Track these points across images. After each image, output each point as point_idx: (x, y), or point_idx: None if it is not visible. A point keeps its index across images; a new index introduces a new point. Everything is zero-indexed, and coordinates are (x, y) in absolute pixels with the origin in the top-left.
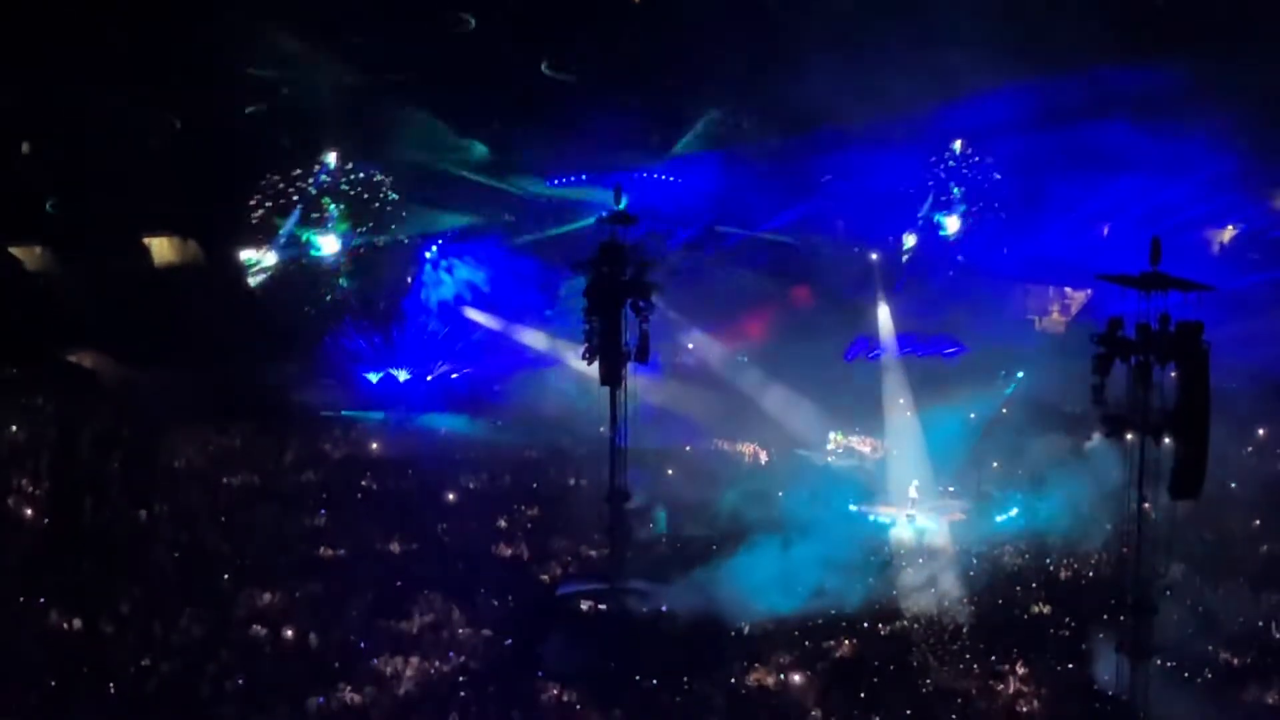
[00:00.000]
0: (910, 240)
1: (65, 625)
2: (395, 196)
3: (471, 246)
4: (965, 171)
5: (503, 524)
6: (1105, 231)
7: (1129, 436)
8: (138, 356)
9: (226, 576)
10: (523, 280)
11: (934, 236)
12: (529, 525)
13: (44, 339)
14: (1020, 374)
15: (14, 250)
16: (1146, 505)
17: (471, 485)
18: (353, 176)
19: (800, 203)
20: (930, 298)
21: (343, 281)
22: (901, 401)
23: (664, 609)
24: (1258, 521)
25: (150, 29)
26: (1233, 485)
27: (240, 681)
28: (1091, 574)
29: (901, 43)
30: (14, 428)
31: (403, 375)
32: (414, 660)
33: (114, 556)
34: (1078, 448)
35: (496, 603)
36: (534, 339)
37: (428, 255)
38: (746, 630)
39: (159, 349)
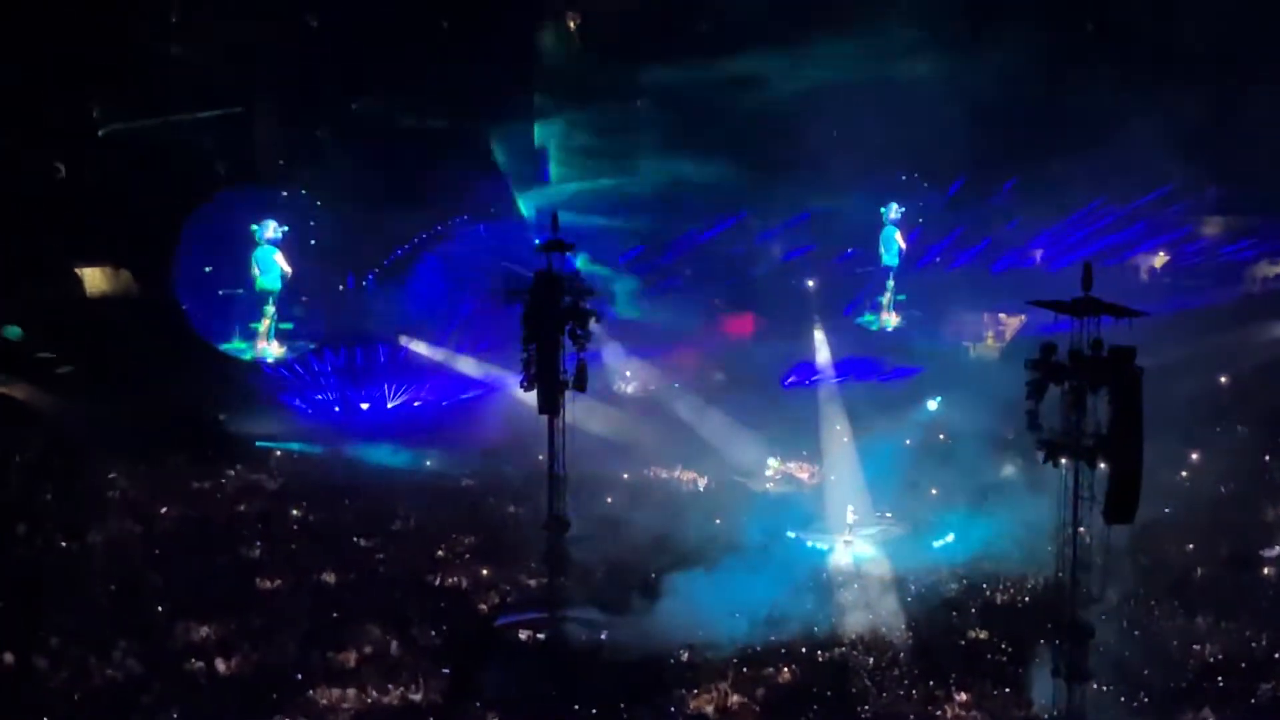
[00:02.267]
0: None
1: None
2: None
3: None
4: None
5: (440, 553)
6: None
7: (1064, 461)
8: (70, 386)
9: (161, 609)
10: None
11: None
12: (467, 555)
13: None
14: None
15: None
16: (1082, 530)
17: (409, 515)
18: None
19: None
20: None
21: (269, 309)
22: (839, 428)
23: (603, 637)
24: (1191, 545)
25: (82, 53)
26: (1166, 509)
27: (175, 716)
28: (1028, 598)
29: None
30: None
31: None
32: (351, 692)
33: (47, 589)
34: (1014, 472)
35: (434, 633)
36: (472, 367)
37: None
38: (685, 658)
39: (92, 379)
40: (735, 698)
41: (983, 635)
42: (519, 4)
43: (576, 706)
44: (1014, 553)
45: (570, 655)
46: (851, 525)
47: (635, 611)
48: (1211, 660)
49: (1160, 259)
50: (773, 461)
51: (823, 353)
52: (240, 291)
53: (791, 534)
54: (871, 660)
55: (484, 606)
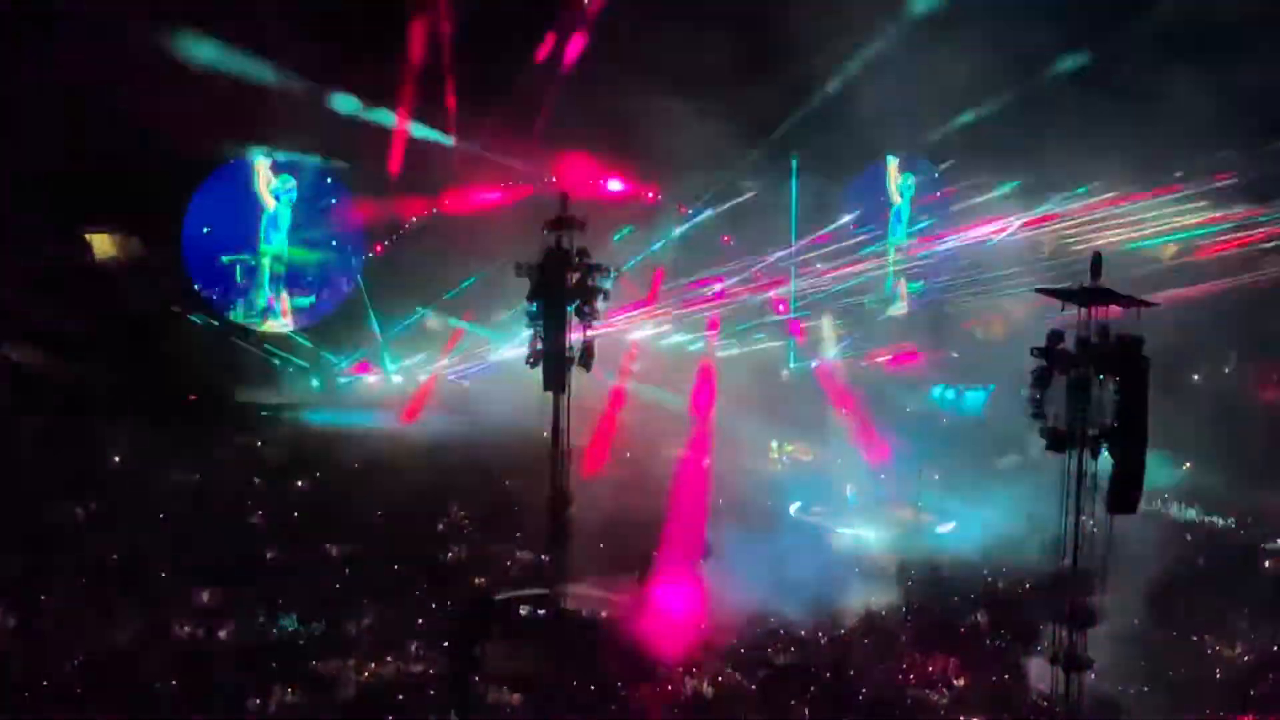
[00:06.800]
0: None
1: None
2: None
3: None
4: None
5: (441, 527)
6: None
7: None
8: (74, 351)
9: (163, 575)
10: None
11: None
12: (467, 529)
13: None
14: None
15: None
16: (1085, 518)
17: (412, 487)
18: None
19: None
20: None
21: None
22: (842, 410)
23: (604, 615)
24: (1188, 536)
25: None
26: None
27: (175, 682)
28: (1028, 586)
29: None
30: None
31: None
32: (352, 662)
33: (49, 553)
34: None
35: (435, 605)
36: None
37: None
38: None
39: (96, 343)
40: (734, 679)
41: (982, 621)
42: None
43: (575, 683)
44: (1017, 540)
45: (569, 633)
46: (853, 507)
47: (636, 590)
48: (1211, 652)
49: (1172, 247)
50: (774, 443)
51: (828, 335)
52: (248, 259)
53: (794, 513)
54: (871, 644)
55: (483, 581)
